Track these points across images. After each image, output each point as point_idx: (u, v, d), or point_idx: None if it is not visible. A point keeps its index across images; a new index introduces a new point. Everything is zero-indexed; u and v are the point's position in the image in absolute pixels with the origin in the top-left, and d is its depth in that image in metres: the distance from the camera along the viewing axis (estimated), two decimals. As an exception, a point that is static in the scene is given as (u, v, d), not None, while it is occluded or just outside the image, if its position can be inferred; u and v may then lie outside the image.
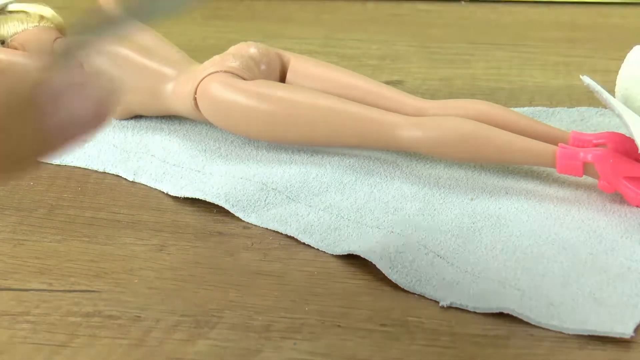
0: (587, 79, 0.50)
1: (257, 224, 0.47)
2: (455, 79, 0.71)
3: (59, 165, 0.55)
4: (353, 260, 0.43)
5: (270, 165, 0.53)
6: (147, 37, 0.61)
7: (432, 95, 0.67)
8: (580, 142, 0.50)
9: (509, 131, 0.50)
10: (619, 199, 0.47)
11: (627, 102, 0.52)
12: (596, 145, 0.49)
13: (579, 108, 0.62)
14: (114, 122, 0.61)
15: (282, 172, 0.52)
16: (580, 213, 0.46)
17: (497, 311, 0.38)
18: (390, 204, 0.48)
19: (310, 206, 0.48)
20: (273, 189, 0.50)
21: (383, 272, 0.41)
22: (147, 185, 0.52)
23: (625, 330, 0.36)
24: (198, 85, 0.55)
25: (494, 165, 0.53)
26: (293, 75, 0.58)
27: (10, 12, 0.66)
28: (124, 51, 0.59)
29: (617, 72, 0.54)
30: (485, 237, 0.44)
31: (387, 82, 0.69)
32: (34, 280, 0.42)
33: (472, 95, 0.67)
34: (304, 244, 0.45)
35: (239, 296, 0.40)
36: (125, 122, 0.61)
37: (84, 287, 0.41)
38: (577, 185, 0.50)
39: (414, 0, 0.94)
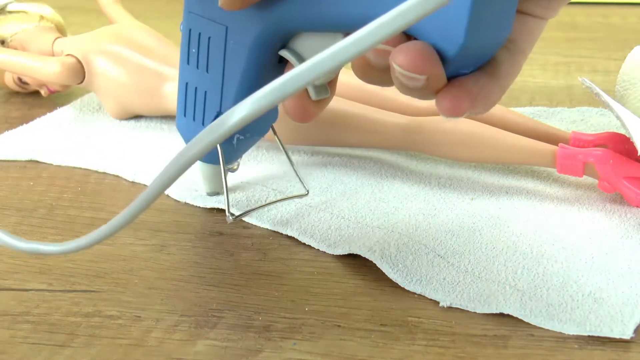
0: (586, 81, 0.50)
1: (257, 224, 0.47)
2: (455, 79, 0.71)
3: (59, 165, 0.55)
4: (353, 260, 0.43)
5: (270, 165, 0.53)
6: (147, 37, 0.61)
7: (432, 95, 0.67)
8: (581, 142, 0.50)
9: (509, 131, 0.50)
10: (619, 199, 0.47)
11: (625, 103, 0.52)
12: (596, 146, 0.49)
13: (579, 108, 0.62)
14: (114, 122, 0.61)
15: (282, 172, 0.52)
16: (580, 213, 0.46)
17: (497, 312, 0.38)
18: (390, 204, 0.48)
19: (310, 206, 0.48)
20: (273, 189, 0.50)
21: (383, 271, 0.41)
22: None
23: (625, 330, 0.36)
24: (198, 85, 0.55)
25: (494, 165, 0.53)
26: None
27: (10, 12, 0.66)
28: (125, 51, 0.60)
29: (617, 72, 0.54)
30: (485, 237, 0.44)
31: (387, 82, 0.69)
32: (34, 280, 0.42)
33: (472, 95, 0.67)
34: (304, 244, 0.45)
35: (239, 296, 0.40)
36: (125, 122, 0.61)
37: (84, 287, 0.41)
38: (577, 185, 0.50)
39: (414, 0, 0.94)
